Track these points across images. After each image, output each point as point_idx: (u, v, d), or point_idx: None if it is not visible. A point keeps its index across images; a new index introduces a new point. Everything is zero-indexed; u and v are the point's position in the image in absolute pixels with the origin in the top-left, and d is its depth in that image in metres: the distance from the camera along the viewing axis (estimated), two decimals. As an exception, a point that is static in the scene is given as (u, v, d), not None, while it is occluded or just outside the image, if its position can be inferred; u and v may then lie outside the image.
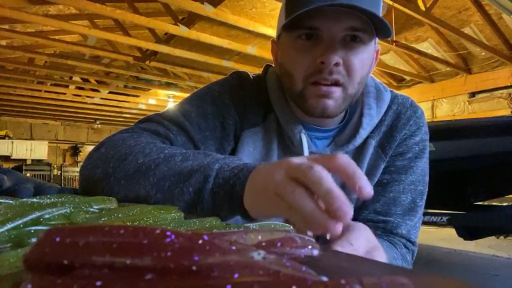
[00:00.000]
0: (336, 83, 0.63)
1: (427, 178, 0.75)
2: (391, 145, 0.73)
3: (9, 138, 10.69)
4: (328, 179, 0.33)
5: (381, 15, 0.62)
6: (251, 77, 0.78)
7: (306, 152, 0.70)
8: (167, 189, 0.49)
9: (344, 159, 0.35)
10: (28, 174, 6.86)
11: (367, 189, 0.33)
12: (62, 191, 0.62)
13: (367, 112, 0.72)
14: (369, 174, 0.73)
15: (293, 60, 0.65)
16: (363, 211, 0.72)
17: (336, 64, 0.61)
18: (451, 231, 3.09)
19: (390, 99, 0.75)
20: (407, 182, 0.73)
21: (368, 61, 0.66)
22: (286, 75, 0.67)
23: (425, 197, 0.75)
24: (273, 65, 0.79)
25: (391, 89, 0.79)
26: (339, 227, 0.32)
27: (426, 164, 0.75)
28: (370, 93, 0.74)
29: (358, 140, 0.71)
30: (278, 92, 0.74)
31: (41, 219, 0.26)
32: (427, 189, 0.75)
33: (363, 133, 0.71)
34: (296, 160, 0.37)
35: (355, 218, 0.74)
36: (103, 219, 0.29)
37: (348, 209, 0.31)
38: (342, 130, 0.74)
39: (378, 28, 0.61)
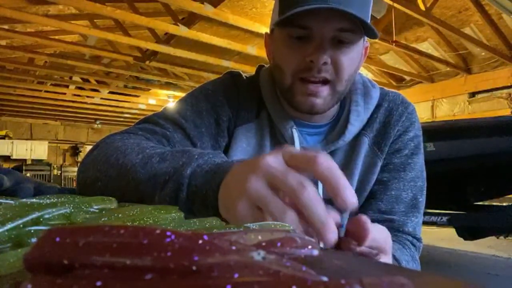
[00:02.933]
0: (324, 81, 0.65)
1: (425, 174, 0.76)
2: (386, 142, 0.74)
3: (9, 138, 10.70)
4: (318, 204, 0.32)
5: (370, 12, 0.64)
6: (244, 77, 0.80)
7: (297, 148, 0.71)
8: (147, 195, 0.47)
9: (326, 164, 0.33)
10: (28, 174, 6.86)
11: (350, 200, 0.32)
12: (62, 191, 0.62)
13: (354, 109, 0.73)
14: (367, 172, 0.74)
15: (283, 56, 0.67)
16: (367, 211, 0.73)
17: (325, 63, 0.63)
18: (451, 231, 3.09)
19: (380, 96, 0.77)
20: (406, 179, 0.73)
21: (356, 59, 0.67)
22: (277, 69, 0.69)
23: (425, 192, 0.75)
24: (266, 65, 0.81)
25: (382, 87, 0.80)
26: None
27: (422, 160, 0.77)
28: (358, 89, 0.76)
29: (348, 136, 0.72)
30: (270, 90, 0.76)
31: (41, 219, 0.26)
32: (426, 184, 0.76)
33: (352, 129, 0.72)
34: (273, 164, 0.34)
35: None
36: (103, 219, 0.29)
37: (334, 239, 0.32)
38: (333, 127, 0.76)
39: (366, 29, 0.63)
